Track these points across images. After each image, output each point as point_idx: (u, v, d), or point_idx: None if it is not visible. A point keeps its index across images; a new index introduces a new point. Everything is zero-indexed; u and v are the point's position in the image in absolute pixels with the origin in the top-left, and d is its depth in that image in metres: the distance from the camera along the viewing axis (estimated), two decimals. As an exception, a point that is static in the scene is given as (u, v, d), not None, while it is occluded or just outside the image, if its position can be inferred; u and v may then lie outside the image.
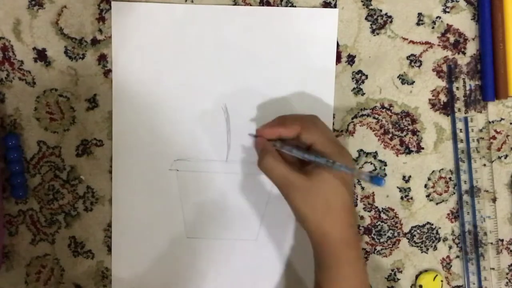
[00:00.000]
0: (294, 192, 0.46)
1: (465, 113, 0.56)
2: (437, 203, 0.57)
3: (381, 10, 0.55)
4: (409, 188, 0.57)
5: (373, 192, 0.57)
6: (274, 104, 0.56)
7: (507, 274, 0.57)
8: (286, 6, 0.55)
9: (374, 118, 0.56)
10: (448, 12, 0.56)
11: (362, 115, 0.56)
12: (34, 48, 0.55)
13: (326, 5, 0.55)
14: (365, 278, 0.47)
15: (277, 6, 0.55)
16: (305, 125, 0.48)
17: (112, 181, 0.56)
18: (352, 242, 0.46)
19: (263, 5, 0.55)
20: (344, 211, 0.46)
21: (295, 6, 0.55)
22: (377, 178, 0.41)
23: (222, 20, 0.55)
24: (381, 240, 0.57)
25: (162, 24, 0.55)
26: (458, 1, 0.55)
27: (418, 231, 0.57)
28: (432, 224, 0.57)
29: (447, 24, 0.56)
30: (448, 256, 0.58)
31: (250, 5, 0.55)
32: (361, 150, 0.57)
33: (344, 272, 0.46)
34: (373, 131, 0.56)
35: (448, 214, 0.57)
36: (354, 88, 0.56)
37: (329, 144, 0.47)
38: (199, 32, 0.55)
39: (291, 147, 0.48)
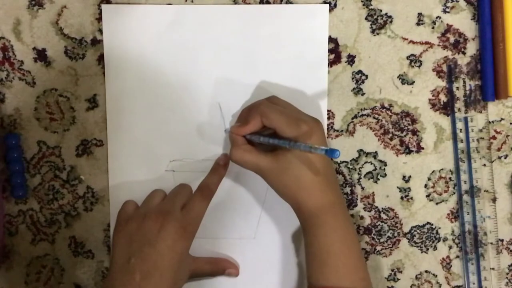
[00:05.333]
0: (266, 174, 0.50)
1: (465, 113, 0.56)
2: (437, 203, 0.57)
3: (381, 10, 0.55)
4: (409, 188, 0.57)
5: (373, 192, 0.57)
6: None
7: (507, 274, 0.57)
8: (286, 4, 0.55)
9: (374, 118, 0.56)
10: (448, 12, 0.56)
11: (362, 115, 0.56)
12: (34, 48, 0.55)
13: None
14: (345, 233, 0.50)
15: (277, 4, 0.55)
16: (265, 113, 0.50)
17: (108, 183, 0.56)
18: (328, 206, 0.49)
19: (263, 4, 0.55)
20: (314, 183, 0.49)
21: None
22: (331, 151, 0.43)
23: (215, 20, 0.55)
24: (381, 240, 0.57)
25: (155, 26, 0.55)
26: (458, 1, 0.56)
27: (418, 231, 0.57)
28: (432, 224, 0.57)
29: (447, 24, 0.56)
30: (448, 256, 0.58)
31: (250, 4, 0.55)
32: (361, 150, 0.57)
33: (322, 231, 0.49)
34: (373, 131, 0.56)
35: (448, 214, 0.57)
36: (354, 88, 0.56)
37: (288, 125, 0.49)
38: (191, 32, 0.55)
39: (259, 136, 0.51)
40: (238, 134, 0.52)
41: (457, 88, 0.56)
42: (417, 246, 0.58)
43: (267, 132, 0.51)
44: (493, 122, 0.57)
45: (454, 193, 0.57)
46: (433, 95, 0.56)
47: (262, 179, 0.51)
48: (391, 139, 0.57)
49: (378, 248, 0.58)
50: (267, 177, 0.50)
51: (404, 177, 0.57)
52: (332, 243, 0.49)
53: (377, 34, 0.56)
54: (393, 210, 0.57)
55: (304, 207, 0.49)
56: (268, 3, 0.55)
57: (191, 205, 0.51)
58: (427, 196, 0.57)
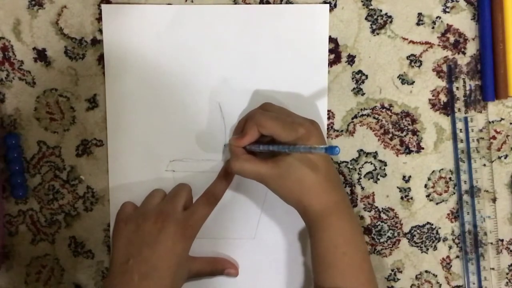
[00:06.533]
0: (269, 181, 0.50)
1: (465, 113, 0.56)
2: (437, 203, 0.57)
3: (381, 10, 0.55)
4: (409, 188, 0.57)
5: (373, 192, 0.57)
6: (269, 101, 0.55)
7: (507, 274, 0.57)
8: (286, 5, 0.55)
9: (374, 118, 0.56)
10: (448, 12, 0.56)
11: (362, 115, 0.56)
12: (34, 48, 0.55)
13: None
14: (351, 234, 0.50)
15: (277, 4, 0.55)
16: (260, 122, 0.50)
17: (109, 183, 0.56)
18: (333, 206, 0.49)
19: (263, 4, 0.55)
20: (317, 184, 0.49)
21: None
22: (330, 149, 0.43)
23: (215, 20, 0.55)
24: (381, 240, 0.58)
25: (155, 26, 0.55)
26: (458, 1, 0.56)
27: (418, 231, 0.57)
28: (432, 224, 0.57)
29: (447, 24, 0.56)
30: (448, 256, 0.58)
31: (250, 4, 0.55)
32: (361, 150, 0.57)
33: (328, 233, 0.49)
34: (373, 131, 0.56)
35: (448, 214, 0.57)
36: (354, 88, 0.56)
37: (285, 131, 0.49)
38: (191, 32, 0.55)
39: (258, 145, 0.51)
40: (238, 146, 0.51)
41: (457, 88, 0.56)
42: (417, 246, 0.58)
43: (266, 140, 0.51)
44: (493, 122, 0.57)
45: (454, 193, 0.57)
46: (433, 95, 0.56)
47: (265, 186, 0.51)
48: (391, 139, 0.57)
49: (378, 248, 0.58)
50: (269, 184, 0.50)
51: (404, 177, 0.57)
52: (338, 245, 0.49)
53: (377, 34, 0.56)
54: (393, 210, 0.57)
55: (309, 209, 0.49)
56: (268, 3, 0.55)
57: (194, 209, 0.51)
58: (427, 196, 0.57)
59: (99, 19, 0.55)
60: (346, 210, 0.51)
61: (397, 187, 0.57)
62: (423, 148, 0.57)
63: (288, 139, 0.49)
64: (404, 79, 0.56)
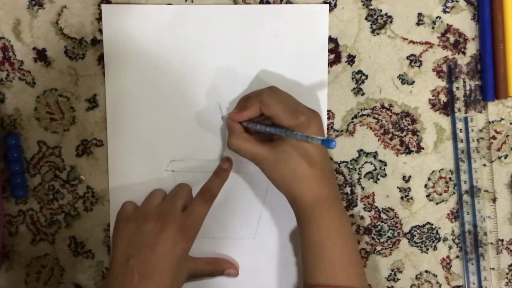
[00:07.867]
0: (263, 164, 0.50)
1: (465, 113, 0.56)
2: (437, 203, 0.57)
3: (381, 10, 0.55)
4: (409, 188, 0.57)
5: (373, 192, 0.57)
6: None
7: (507, 274, 0.57)
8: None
9: (374, 118, 0.56)
10: (448, 12, 0.56)
11: (362, 115, 0.56)
12: (34, 48, 0.55)
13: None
14: (341, 226, 0.50)
15: (277, 4, 0.55)
16: (264, 101, 0.50)
17: (109, 183, 0.56)
18: (323, 199, 0.49)
19: (263, 4, 0.55)
20: (310, 175, 0.49)
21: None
22: (327, 141, 0.43)
23: (215, 20, 0.55)
24: (381, 240, 0.57)
25: (155, 26, 0.55)
26: (458, 1, 0.56)
27: (418, 231, 0.57)
28: (432, 224, 0.57)
29: (447, 24, 0.56)
30: (448, 256, 0.58)
31: (250, 4, 0.55)
32: (361, 150, 0.57)
33: (317, 224, 0.49)
34: (373, 131, 0.56)
35: (448, 214, 0.57)
36: (354, 88, 0.56)
37: (286, 115, 0.49)
38: (191, 32, 0.55)
39: (256, 123, 0.51)
40: (235, 120, 0.51)
41: (457, 88, 0.56)
42: (417, 246, 0.58)
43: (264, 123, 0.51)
44: (493, 122, 0.57)
45: (454, 193, 0.57)
46: (433, 95, 0.56)
47: (262, 173, 0.51)
48: (391, 139, 0.57)
49: (378, 248, 0.58)
50: (263, 167, 0.50)
51: (404, 177, 0.57)
52: (327, 237, 0.49)
53: (377, 34, 0.56)
54: (393, 210, 0.57)
55: (299, 199, 0.49)
56: (268, 3, 0.55)
57: (192, 208, 0.51)
58: (427, 196, 0.57)
59: (99, 19, 0.55)
60: (337, 204, 0.51)
61: (397, 187, 0.57)
62: (423, 148, 0.57)
63: (288, 124, 0.49)
64: (404, 79, 0.56)
